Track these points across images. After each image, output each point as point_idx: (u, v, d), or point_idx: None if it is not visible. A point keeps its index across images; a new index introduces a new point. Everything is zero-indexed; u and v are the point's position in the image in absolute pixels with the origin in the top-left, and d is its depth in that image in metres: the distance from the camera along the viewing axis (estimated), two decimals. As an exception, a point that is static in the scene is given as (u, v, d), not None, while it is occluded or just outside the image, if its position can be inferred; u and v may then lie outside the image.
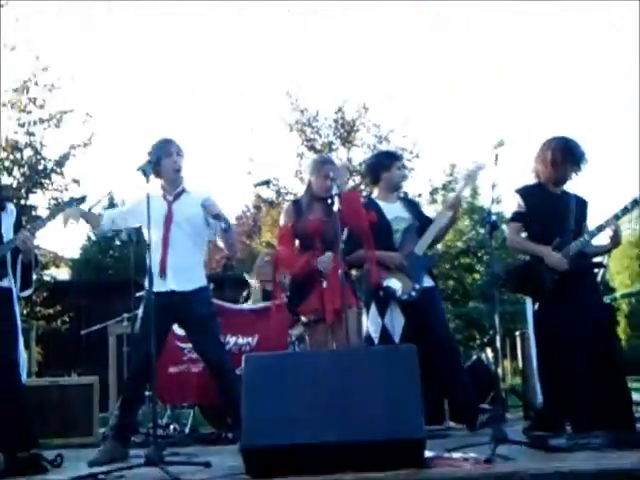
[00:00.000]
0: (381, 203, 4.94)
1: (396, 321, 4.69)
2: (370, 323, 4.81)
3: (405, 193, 5.47)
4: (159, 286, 4.20)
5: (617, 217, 4.13)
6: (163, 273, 4.29)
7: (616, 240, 4.21)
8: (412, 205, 5.24)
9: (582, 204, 4.35)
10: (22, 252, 4.09)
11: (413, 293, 4.70)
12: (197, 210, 4.36)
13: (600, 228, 4.15)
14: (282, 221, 4.72)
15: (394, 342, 4.61)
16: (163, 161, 4.39)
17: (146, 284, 4.11)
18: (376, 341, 4.73)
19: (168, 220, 4.38)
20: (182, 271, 4.33)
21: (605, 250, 4.37)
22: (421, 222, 4.93)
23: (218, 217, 4.28)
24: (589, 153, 4.32)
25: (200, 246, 4.53)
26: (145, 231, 4.23)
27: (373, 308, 4.79)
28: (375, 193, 5.17)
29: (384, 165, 5.03)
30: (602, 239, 4.25)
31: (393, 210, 4.91)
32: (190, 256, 4.41)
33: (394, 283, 4.71)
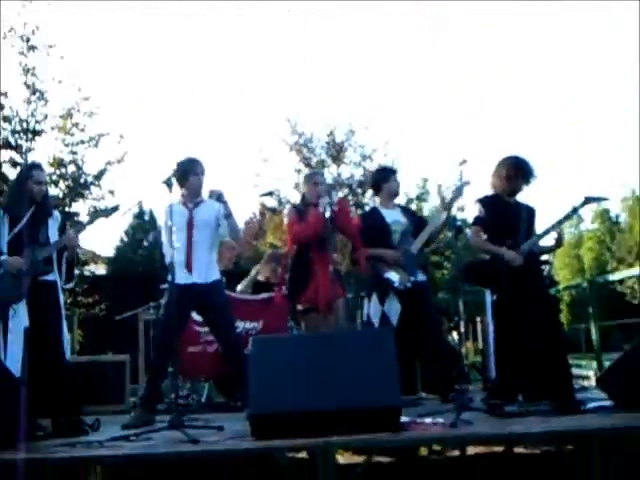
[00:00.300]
0: (382, 209, 4.97)
1: (393, 308, 4.69)
2: (371, 309, 4.79)
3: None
4: (182, 279, 4.20)
5: (560, 222, 4.14)
6: (189, 269, 4.28)
7: (560, 242, 4.23)
8: (408, 212, 5.26)
9: (531, 212, 4.35)
10: (67, 250, 4.10)
11: (408, 284, 4.69)
12: (213, 215, 4.37)
13: (547, 231, 4.17)
14: (287, 219, 4.86)
15: (392, 325, 4.58)
16: (191, 177, 4.38)
17: (169, 278, 4.08)
18: (376, 325, 4.73)
19: (190, 224, 4.37)
20: (202, 266, 4.32)
21: (551, 249, 4.38)
22: (416, 225, 4.93)
23: (225, 205, 4.29)
24: (537, 170, 4.34)
25: (215, 246, 4.53)
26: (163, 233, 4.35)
27: (374, 297, 4.78)
28: (377, 201, 5.22)
29: (384, 177, 5.06)
30: (548, 240, 4.27)
31: (392, 215, 4.92)
32: (207, 254, 4.40)
33: (393, 275, 4.71)
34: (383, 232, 4.81)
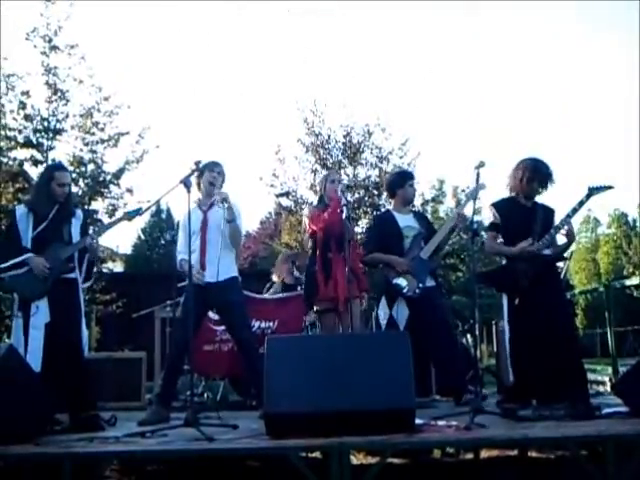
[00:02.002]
0: (395, 214, 4.94)
1: (401, 313, 4.67)
2: (380, 313, 4.80)
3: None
4: (198, 280, 4.22)
5: (569, 216, 4.11)
6: (203, 268, 4.31)
7: (571, 236, 4.20)
8: (422, 217, 5.22)
9: (549, 213, 4.31)
10: (89, 251, 4.16)
11: (417, 291, 4.66)
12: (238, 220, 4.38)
13: (557, 229, 4.14)
14: (307, 218, 4.87)
15: (399, 329, 4.55)
16: (205, 174, 4.41)
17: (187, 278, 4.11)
18: (383, 328, 4.72)
19: (204, 226, 4.40)
20: (215, 266, 4.30)
21: (565, 246, 4.32)
22: (429, 232, 4.90)
23: (229, 209, 4.26)
24: (555, 174, 4.31)
25: (231, 246, 4.47)
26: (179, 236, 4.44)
27: (383, 301, 4.77)
28: (391, 205, 5.19)
29: (399, 183, 5.00)
30: (561, 238, 4.24)
31: (405, 220, 4.89)
32: (222, 254, 4.36)
33: (402, 281, 4.69)
34: (395, 236, 4.79)
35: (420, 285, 4.68)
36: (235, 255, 4.55)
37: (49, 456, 3.07)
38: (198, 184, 4.45)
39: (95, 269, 4.36)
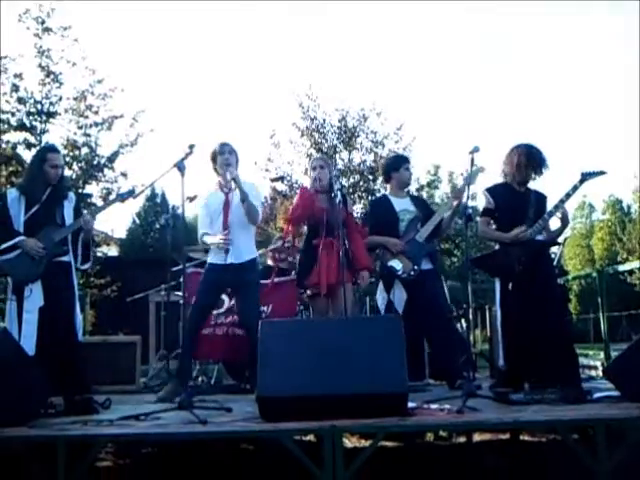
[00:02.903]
0: (391, 198, 4.95)
1: (399, 297, 4.69)
2: (378, 297, 4.83)
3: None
4: (219, 260, 4.39)
5: (562, 201, 4.13)
6: (226, 250, 4.37)
7: (565, 221, 4.23)
8: (420, 201, 5.24)
9: (541, 199, 4.32)
10: (84, 232, 4.14)
11: (412, 273, 4.68)
12: (254, 198, 4.43)
13: (550, 214, 4.16)
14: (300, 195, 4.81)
15: (398, 313, 4.55)
16: (218, 158, 4.47)
17: (208, 259, 4.53)
18: (382, 312, 4.75)
19: (227, 207, 4.47)
20: (237, 247, 4.40)
21: (559, 231, 4.34)
22: (426, 215, 4.89)
23: (240, 189, 4.34)
24: (549, 160, 4.31)
25: (250, 227, 4.55)
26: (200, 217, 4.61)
27: (381, 285, 4.80)
28: (387, 190, 5.18)
29: (394, 166, 5.01)
30: (555, 223, 4.26)
31: (401, 204, 4.90)
32: (243, 235, 4.46)
33: (396, 264, 4.71)
34: (391, 220, 4.81)
35: (415, 267, 4.69)
36: (253, 234, 4.64)
37: (43, 438, 3.08)
38: (215, 169, 4.55)
39: (91, 251, 4.33)
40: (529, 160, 4.23)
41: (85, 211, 4.38)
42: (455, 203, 4.82)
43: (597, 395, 3.79)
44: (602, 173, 4.16)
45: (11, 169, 10.17)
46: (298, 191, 4.79)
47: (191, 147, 3.92)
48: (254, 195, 4.45)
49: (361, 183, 14.25)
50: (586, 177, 4.12)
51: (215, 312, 5.23)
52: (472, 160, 4.07)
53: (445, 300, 5.19)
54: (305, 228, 4.80)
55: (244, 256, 4.45)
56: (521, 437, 4.54)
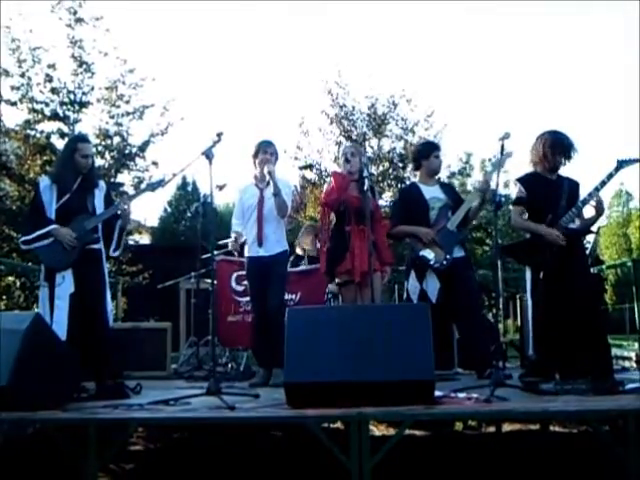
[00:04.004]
0: (421, 185, 4.90)
1: (432, 285, 4.64)
2: (410, 287, 4.76)
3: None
4: (253, 252, 4.70)
5: (597, 189, 4.07)
6: (260, 242, 4.66)
7: (600, 209, 4.15)
8: (449, 189, 5.14)
9: (574, 186, 4.26)
10: (122, 218, 4.23)
11: (444, 262, 4.63)
12: (286, 194, 4.66)
13: (584, 201, 4.10)
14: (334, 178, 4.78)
15: (431, 302, 4.51)
16: (259, 155, 4.71)
17: (245, 252, 4.78)
18: (415, 302, 4.68)
19: (261, 202, 4.69)
20: (269, 241, 4.68)
21: (593, 219, 4.25)
22: (456, 202, 4.84)
23: (274, 184, 4.58)
24: (577, 144, 4.25)
25: (282, 221, 4.79)
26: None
27: (413, 274, 4.74)
28: (417, 177, 5.15)
29: (424, 154, 4.95)
30: (589, 211, 4.19)
31: (431, 191, 4.84)
32: (274, 228, 4.70)
33: (428, 253, 4.66)
34: (421, 208, 4.75)
35: (447, 256, 4.65)
36: (284, 228, 4.85)
37: (75, 422, 3.15)
38: (254, 163, 4.78)
39: (123, 239, 4.41)
40: (554, 147, 4.18)
41: (119, 198, 4.46)
42: (481, 194, 4.77)
43: (630, 386, 3.73)
44: (638, 161, 4.09)
45: (45, 158, 10.37)
46: (331, 176, 4.79)
47: (219, 135, 3.93)
48: (286, 192, 4.67)
49: (390, 171, 14.14)
50: (622, 164, 4.06)
51: (244, 299, 5.28)
52: (502, 147, 4.02)
53: (477, 288, 5.11)
54: (333, 215, 4.80)
55: (275, 249, 4.69)
56: (551, 428, 4.51)
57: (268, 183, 4.68)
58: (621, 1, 38.24)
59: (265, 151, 4.69)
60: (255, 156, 4.75)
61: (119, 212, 4.21)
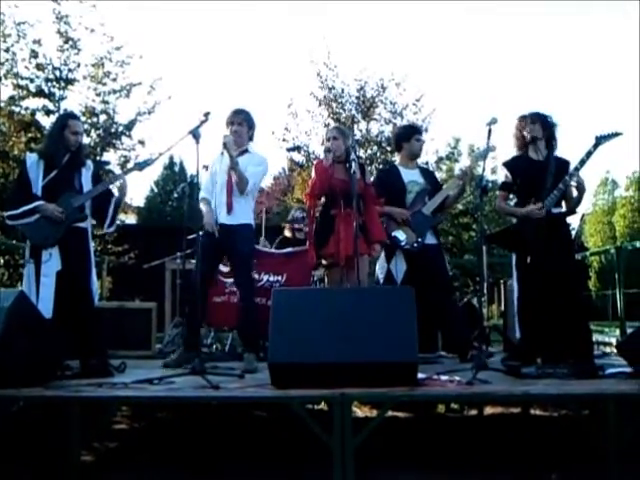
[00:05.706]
0: (401, 168, 4.92)
1: (399, 267, 4.69)
2: (378, 266, 4.84)
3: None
4: (221, 219, 4.33)
5: (577, 169, 4.09)
6: (229, 208, 4.33)
7: (581, 189, 4.16)
8: (429, 174, 5.17)
9: (562, 165, 4.21)
10: (119, 191, 4.32)
11: (415, 245, 4.68)
12: (254, 169, 4.38)
13: (565, 182, 4.10)
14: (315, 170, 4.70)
15: (396, 284, 4.61)
16: (228, 125, 4.44)
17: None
18: (381, 282, 4.76)
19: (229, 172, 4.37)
20: (234, 210, 4.36)
21: (576, 200, 4.25)
22: (434, 188, 4.87)
23: (230, 156, 4.27)
24: (559, 124, 4.29)
25: (250, 193, 4.46)
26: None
27: (382, 254, 4.80)
28: (397, 159, 5.14)
29: (404, 136, 4.97)
30: (574, 191, 4.21)
31: (410, 175, 4.87)
32: (239, 199, 4.39)
33: (400, 234, 4.71)
34: (398, 190, 4.78)
35: (419, 239, 4.69)
36: (251, 203, 4.55)
37: (59, 399, 3.16)
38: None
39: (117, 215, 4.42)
40: (521, 120, 4.25)
41: (105, 177, 4.45)
42: (461, 183, 4.81)
43: (609, 371, 3.79)
44: (617, 135, 4.07)
45: (30, 135, 10.25)
46: (313, 166, 4.73)
47: (206, 115, 3.90)
48: (254, 171, 4.38)
49: (379, 154, 14.12)
50: (601, 141, 4.05)
51: (230, 280, 5.27)
52: (490, 132, 4.03)
53: (447, 276, 5.14)
54: (322, 199, 4.80)
55: (239, 219, 4.37)
56: (532, 412, 4.58)
57: (241, 153, 4.41)
58: (621, 1, 38.22)
59: (232, 121, 4.44)
60: (227, 125, 4.48)
61: (117, 186, 4.22)
